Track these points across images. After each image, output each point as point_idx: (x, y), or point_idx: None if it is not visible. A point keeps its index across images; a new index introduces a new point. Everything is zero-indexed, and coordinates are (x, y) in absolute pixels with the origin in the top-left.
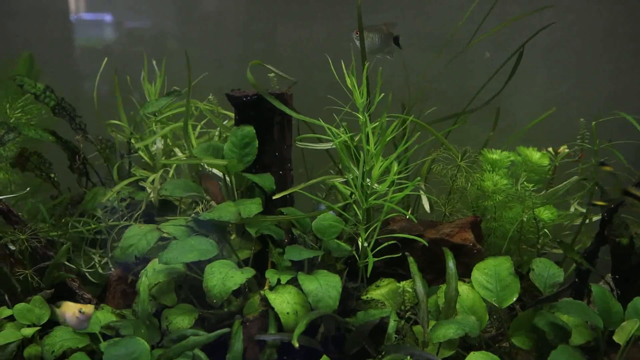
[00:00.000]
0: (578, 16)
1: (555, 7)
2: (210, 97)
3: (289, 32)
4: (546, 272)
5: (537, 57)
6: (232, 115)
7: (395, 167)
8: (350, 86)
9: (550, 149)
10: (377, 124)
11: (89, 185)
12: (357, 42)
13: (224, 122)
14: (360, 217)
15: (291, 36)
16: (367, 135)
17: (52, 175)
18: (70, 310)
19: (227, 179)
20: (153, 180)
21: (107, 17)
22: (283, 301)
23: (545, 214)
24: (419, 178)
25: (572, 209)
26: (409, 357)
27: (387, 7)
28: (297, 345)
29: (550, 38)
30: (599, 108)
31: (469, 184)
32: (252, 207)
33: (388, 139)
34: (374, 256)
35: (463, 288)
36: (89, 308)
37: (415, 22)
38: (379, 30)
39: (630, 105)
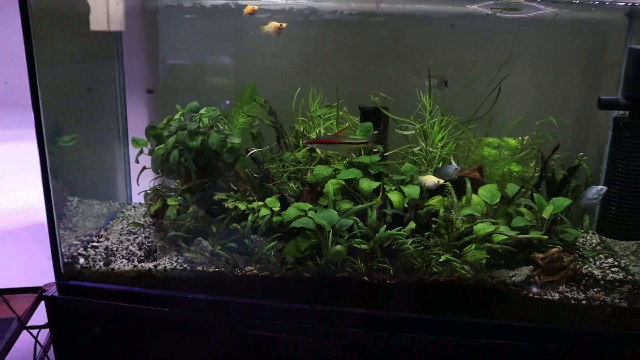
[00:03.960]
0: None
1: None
2: (344, 108)
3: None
4: (514, 189)
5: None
6: (351, 118)
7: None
8: (425, 102)
9: (520, 138)
10: (436, 120)
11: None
12: (426, 83)
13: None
14: (427, 165)
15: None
16: (431, 125)
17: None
18: (430, 179)
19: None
20: None
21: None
22: (394, 195)
23: (515, 168)
24: (454, 144)
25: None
26: (452, 212)
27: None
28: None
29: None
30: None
31: (476, 151)
32: (374, 158)
33: (444, 124)
34: None
35: (474, 196)
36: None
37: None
38: (438, 77)
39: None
